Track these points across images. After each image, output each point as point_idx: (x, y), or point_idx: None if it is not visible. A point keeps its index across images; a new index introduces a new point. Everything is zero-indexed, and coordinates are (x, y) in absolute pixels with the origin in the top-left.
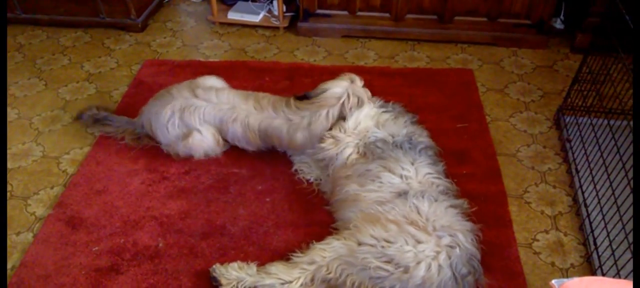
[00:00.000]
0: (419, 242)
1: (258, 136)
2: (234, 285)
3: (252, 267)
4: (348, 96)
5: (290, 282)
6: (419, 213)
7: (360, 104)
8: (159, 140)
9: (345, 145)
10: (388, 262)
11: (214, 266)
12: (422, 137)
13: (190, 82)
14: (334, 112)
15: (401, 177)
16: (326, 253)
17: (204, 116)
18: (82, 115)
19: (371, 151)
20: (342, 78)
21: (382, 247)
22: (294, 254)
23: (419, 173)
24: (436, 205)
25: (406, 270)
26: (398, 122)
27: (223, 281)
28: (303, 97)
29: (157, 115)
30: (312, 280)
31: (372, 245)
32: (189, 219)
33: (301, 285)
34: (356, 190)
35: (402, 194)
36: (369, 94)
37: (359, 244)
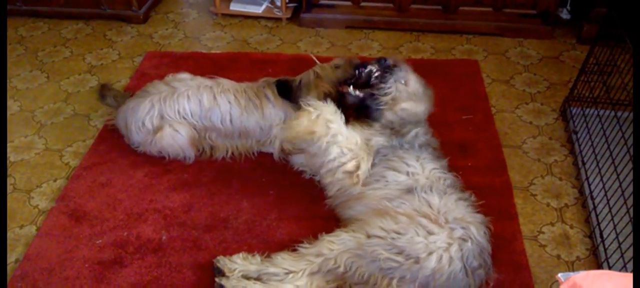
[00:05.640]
0: (430, 233)
1: (247, 98)
2: (237, 275)
3: (257, 257)
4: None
5: (296, 272)
6: (430, 206)
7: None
8: (131, 139)
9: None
10: (399, 253)
11: (218, 257)
12: (421, 135)
13: (162, 80)
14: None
15: (407, 174)
16: (334, 246)
17: (188, 100)
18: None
19: (374, 158)
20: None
21: (393, 238)
22: (301, 245)
23: (425, 168)
24: (446, 197)
25: (417, 260)
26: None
27: (226, 271)
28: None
29: (134, 110)
30: (318, 271)
31: (381, 237)
32: (192, 212)
33: (306, 276)
34: (360, 189)
35: (410, 190)
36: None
37: (368, 237)
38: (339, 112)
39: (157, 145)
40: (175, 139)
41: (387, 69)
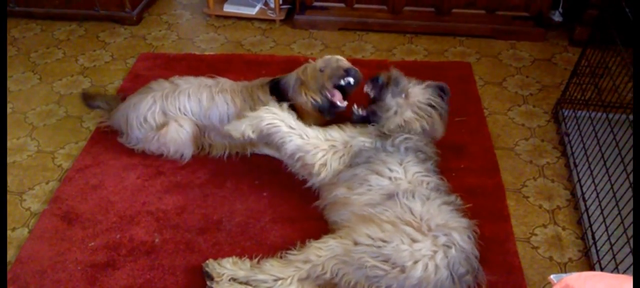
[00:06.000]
0: (415, 241)
1: (243, 99)
2: (225, 279)
3: (246, 263)
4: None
5: (284, 279)
6: (412, 213)
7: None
8: (131, 135)
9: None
10: (385, 261)
11: (207, 261)
12: (409, 140)
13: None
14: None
15: (390, 179)
16: (322, 252)
17: (188, 98)
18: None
19: (356, 158)
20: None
21: (379, 246)
22: (289, 252)
23: (408, 172)
24: (429, 203)
25: (403, 269)
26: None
27: (214, 275)
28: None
29: (137, 106)
30: (307, 278)
31: (368, 245)
32: (185, 214)
33: (295, 282)
34: (345, 193)
35: (392, 196)
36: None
37: (355, 244)
38: (290, 112)
39: (160, 140)
40: (180, 134)
41: (382, 87)
